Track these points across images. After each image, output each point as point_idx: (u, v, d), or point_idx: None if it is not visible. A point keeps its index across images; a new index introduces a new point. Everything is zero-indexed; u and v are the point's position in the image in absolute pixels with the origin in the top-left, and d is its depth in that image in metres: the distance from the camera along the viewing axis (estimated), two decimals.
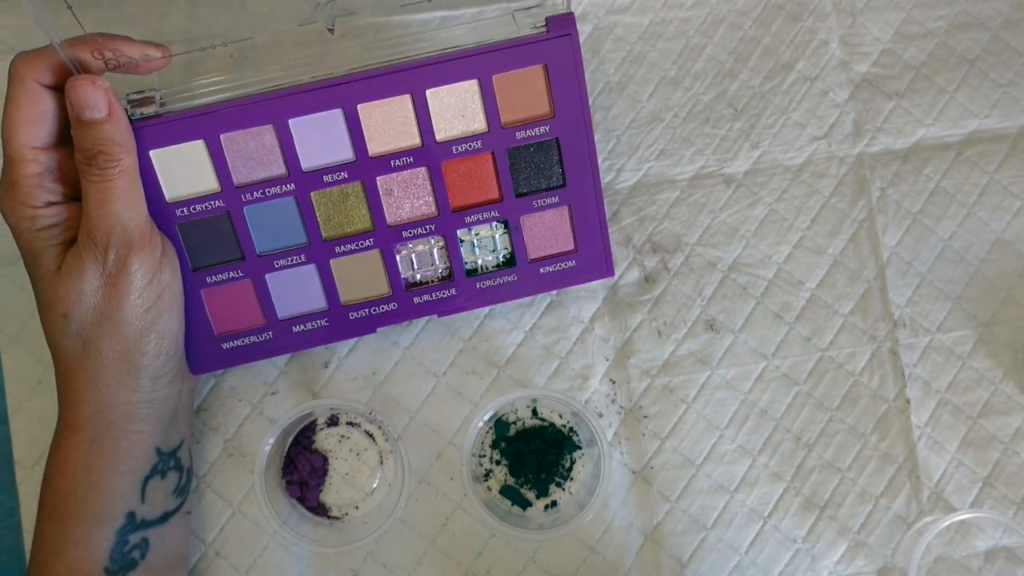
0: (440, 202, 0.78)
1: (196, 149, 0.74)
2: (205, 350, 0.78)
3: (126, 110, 0.72)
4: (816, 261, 0.87)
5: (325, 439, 0.82)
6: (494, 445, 0.83)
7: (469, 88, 0.76)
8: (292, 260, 0.77)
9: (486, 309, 0.84)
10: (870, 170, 0.88)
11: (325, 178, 0.76)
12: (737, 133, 0.88)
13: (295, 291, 0.78)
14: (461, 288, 0.80)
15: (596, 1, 0.88)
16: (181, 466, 0.76)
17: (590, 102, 0.86)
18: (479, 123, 0.77)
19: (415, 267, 0.80)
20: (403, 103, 0.76)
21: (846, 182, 0.88)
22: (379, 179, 0.77)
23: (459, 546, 0.82)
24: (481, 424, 0.79)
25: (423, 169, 0.77)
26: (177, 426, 0.75)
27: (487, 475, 0.83)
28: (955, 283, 0.87)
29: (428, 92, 0.75)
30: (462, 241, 0.79)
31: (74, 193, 0.70)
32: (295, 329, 0.79)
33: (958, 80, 0.90)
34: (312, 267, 0.78)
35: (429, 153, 0.77)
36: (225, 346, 0.78)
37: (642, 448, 0.84)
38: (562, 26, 0.75)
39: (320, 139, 0.75)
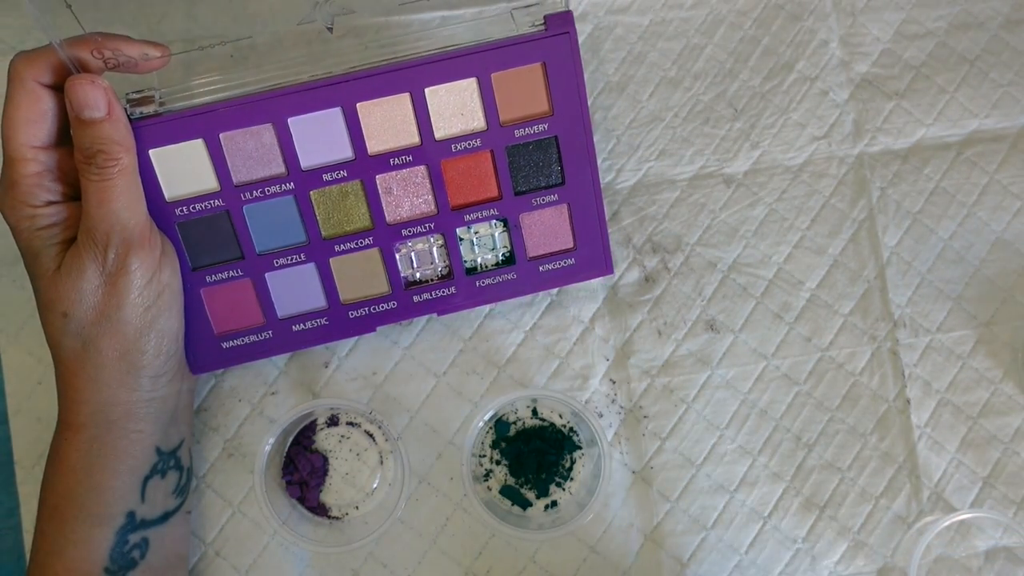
0: (439, 200, 0.78)
1: (195, 148, 0.74)
2: (205, 349, 0.78)
3: (125, 109, 0.72)
4: (816, 261, 0.87)
5: (325, 439, 0.82)
6: (494, 445, 0.83)
7: (468, 86, 0.76)
8: (292, 259, 0.77)
9: (486, 309, 0.84)
10: (870, 170, 0.88)
11: (324, 177, 0.76)
12: (737, 133, 0.88)
13: (295, 290, 0.78)
14: (461, 286, 0.80)
15: (596, 1, 0.88)
16: (181, 466, 0.76)
17: (590, 102, 0.86)
18: (478, 121, 0.77)
19: (415, 266, 0.80)
20: (402, 102, 0.76)
21: (846, 182, 0.88)
22: (378, 178, 0.77)
23: (459, 546, 0.82)
24: (481, 424, 0.79)
25: (422, 167, 0.77)
26: (177, 426, 0.75)
27: (487, 475, 0.83)
28: (955, 283, 0.87)
29: (427, 90, 0.76)
30: (461, 239, 0.79)
31: (74, 192, 0.70)
32: (295, 328, 0.79)
33: (958, 80, 0.90)
34: (312, 266, 0.78)
35: (428, 151, 0.77)
36: (225, 345, 0.78)
37: (642, 448, 0.84)
38: (560, 24, 0.75)
39: (319, 138, 0.75)
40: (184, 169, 0.75)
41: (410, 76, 0.75)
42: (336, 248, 0.78)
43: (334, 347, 0.84)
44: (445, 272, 0.80)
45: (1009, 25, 0.90)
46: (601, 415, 0.84)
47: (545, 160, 0.78)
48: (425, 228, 0.78)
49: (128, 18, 0.79)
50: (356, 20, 0.82)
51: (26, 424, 0.81)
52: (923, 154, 0.88)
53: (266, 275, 0.78)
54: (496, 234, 0.80)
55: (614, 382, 0.85)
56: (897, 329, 0.86)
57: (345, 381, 0.83)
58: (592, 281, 0.84)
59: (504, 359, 0.84)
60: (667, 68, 0.88)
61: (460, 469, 0.79)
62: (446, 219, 0.78)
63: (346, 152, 0.76)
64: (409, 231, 0.78)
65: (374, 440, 0.83)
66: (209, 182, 0.75)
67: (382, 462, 0.83)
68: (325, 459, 0.82)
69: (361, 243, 0.78)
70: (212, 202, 0.75)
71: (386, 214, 0.78)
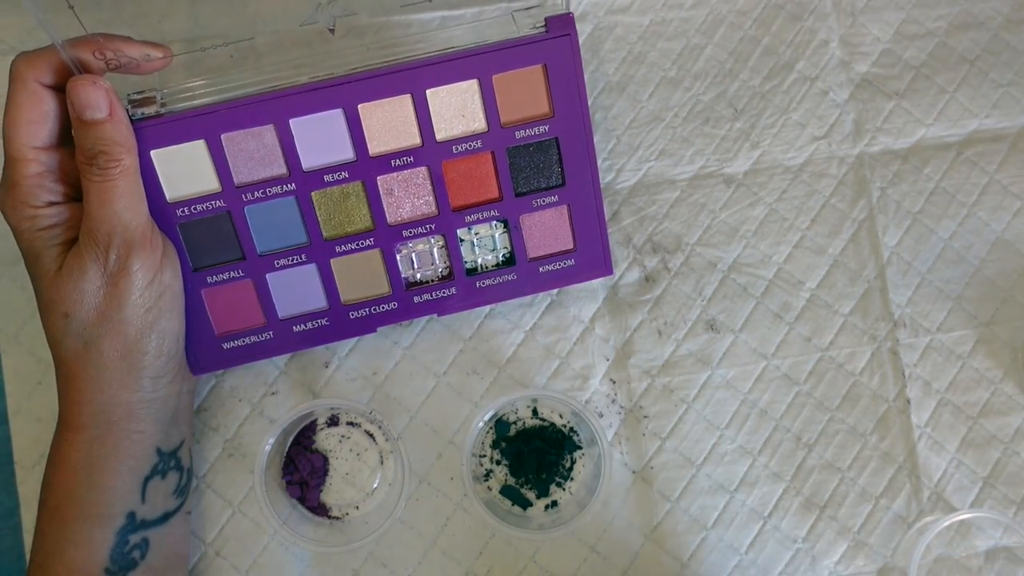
0: (440, 201, 0.78)
1: (197, 149, 0.74)
2: (206, 350, 0.78)
3: (127, 110, 0.72)
4: (816, 261, 0.87)
5: (325, 439, 0.82)
6: (494, 445, 0.83)
7: (469, 88, 0.76)
8: (293, 260, 0.77)
9: (486, 309, 0.84)
10: (870, 170, 0.88)
11: (326, 178, 0.76)
12: (737, 133, 0.88)
13: (296, 291, 0.78)
14: (461, 287, 0.80)
15: (596, 1, 0.88)
16: (181, 466, 0.76)
17: (590, 102, 0.86)
18: (479, 123, 0.77)
19: (415, 266, 0.80)
20: (403, 103, 0.76)
21: (846, 182, 0.88)
22: (379, 179, 0.77)
23: (459, 546, 0.82)
24: (481, 424, 0.79)
25: (423, 169, 0.77)
26: (177, 426, 0.75)
27: (487, 475, 0.83)
28: (955, 283, 0.87)
29: (428, 92, 0.76)
30: (462, 240, 0.79)
31: (75, 193, 0.70)
32: (295, 329, 0.79)
33: (958, 80, 0.90)
34: (313, 267, 0.78)
35: (429, 153, 0.77)
36: (225, 346, 0.78)
37: (642, 448, 0.84)
38: (561, 26, 0.75)
39: (321, 139, 0.75)
40: (185, 170, 0.75)
41: (411, 78, 0.75)
42: (337, 249, 0.78)
43: (334, 347, 0.84)
44: (446, 273, 0.80)
45: (1009, 25, 0.90)
46: (601, 415, 0.84)
47: (545, 162, 0.78)
48: (426, 229, 0.78)
49: (130, 19, 0.79)
50: (357, 21, 0.81)
51: (26, 424, 0.81)
52: (923, 154, 0.89)
53: (267, 276, 0.78)
54: (496, 235, 0.80)
55: (614, 382, 0.85)
56: (897, 329, 0.86)
57: (345, 381, 0.83)
58: (592, 281, 0.84)
59: (504, 359, 0.84)
60: (667, 68, 0.88)
61: (460, 469, 0.79)
62: (447, 220, 0.78)
63: (347, 153, 0.76)
64: (410, 232, 0.78)
65: (374, 440, 0.83)
66: (210, 183, 0.75)
67: (382, 462, 0.83)
68: (325, 459, 0.82)
69: (362, 244, 0.78)
70: (213, 203, 0.75)
71: (387, 215, 0.78)
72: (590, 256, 0.81)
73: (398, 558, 0.82)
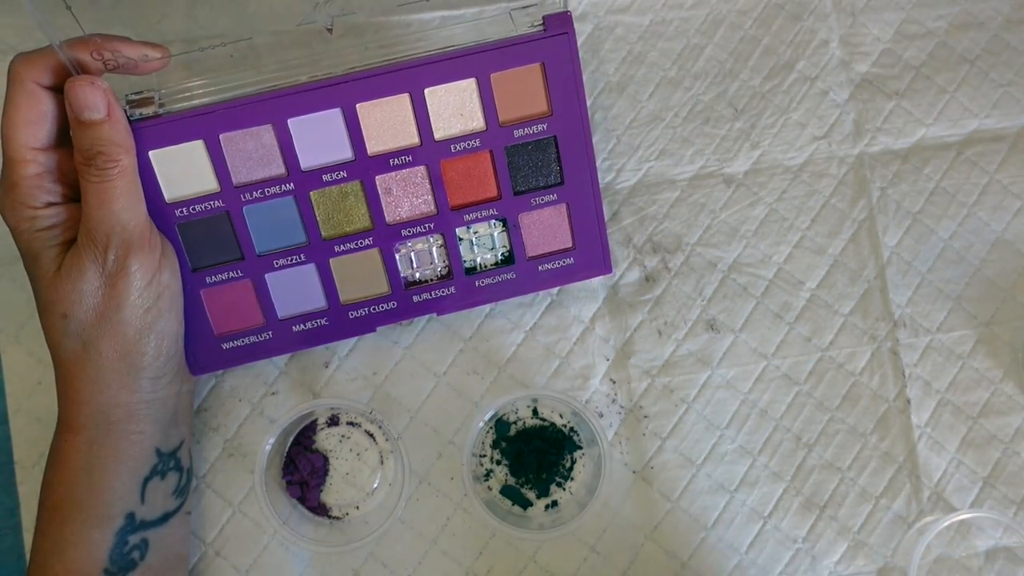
0: (439, 200, 0.78)
1: (195, 149, 0.74)
2: (205, 350, 0.78)
3: (125, 111, 0.72)
4: (816, 261, 0.87)
5: (325, 439, 0.82)
6: (495, 445, 0.83)
7: (467, 87, 0.76)
8: (292, 260, 0.77)
9: (486, 309, 0.84)
10: (870, 170, 0.88)
11: (324, 177, 0.76)
12: (737, 133, 0.88)
13: (295, 291, 0.78)
14: (460, 286, 0.80)
15: (596, 1, 0.88)
16: (181, 467, 0.76)
17: (590, 102, 0.86)
18: (477, 122, 0.77)
19: (414, 266, 0.80)
20: (402, 102, 0.76)
21: (846, 182, 0.88)
22: (378, 178, 0.77)
23: (460, 546, 0.82)
24: (481, 424, 0.79)
25: (422, 168, 0.77)
26: (177, 427, 0.75)
27: (488, 475, 0.83)
28: (955, 283, 0.87)
29: (427, 91, 0.76)
30: (461, 239, 0.79)
31: (74, 194, 0.70)
32: (295, 329, 0.79)
33: (958, 80, 0.90)
34: (312, 266, 0.78)
35: (428, 152, 0.77)
36: (225, 346, 0.78)
37: (642, 448, 0.84)
38: (559, 25, 0.75)
39: (319, 138, 0.75)
40: (184, 170, 0.75)
41: (410, 77, 0.75)
42: (336, 248, 0.78)
43: (334, 347, 0.84)
44: (445, 272, 0.80)
45: (1009, 25, 0.90)
46: (601, 415, 0.84)
47: (544, 160, 0.78)
48: (425, 228, 0.78)
49: (128, 19, 0.79)
50: (356, 21, 0.81)
51: (26, 424, 0.82)
52: (923, 154, 0.88)
53: (266, 276, 0.78)
54: (495, 234, 0.80)
55: (614, 382, 0.85)
56: (897, 329, 0.86)
57: (345, 381, 0.83)
58: (592, 281, 0.84)
59: (504, 359, 0.84)
60: (667, 68, 0.88)
61: (460, 469, 0.79)
62: (445, 219, 0.78)
63: (346, 153, 0.76)
64: (409, 231, 0.78)
65: (374, 440, 0.83)
66: (209, 183, 0.76)
67: (382, 462, 0.83)
68: (325, 459, 0.82)
69: (361, 243, 0.78)
70: (212, 203, 0.75)
71: (386, 214, 0.78)
72: (589, 254, 0.81)
73: (398, 558, 0.82)
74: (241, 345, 0.78)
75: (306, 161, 0.76)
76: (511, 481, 0.83)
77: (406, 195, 0.78)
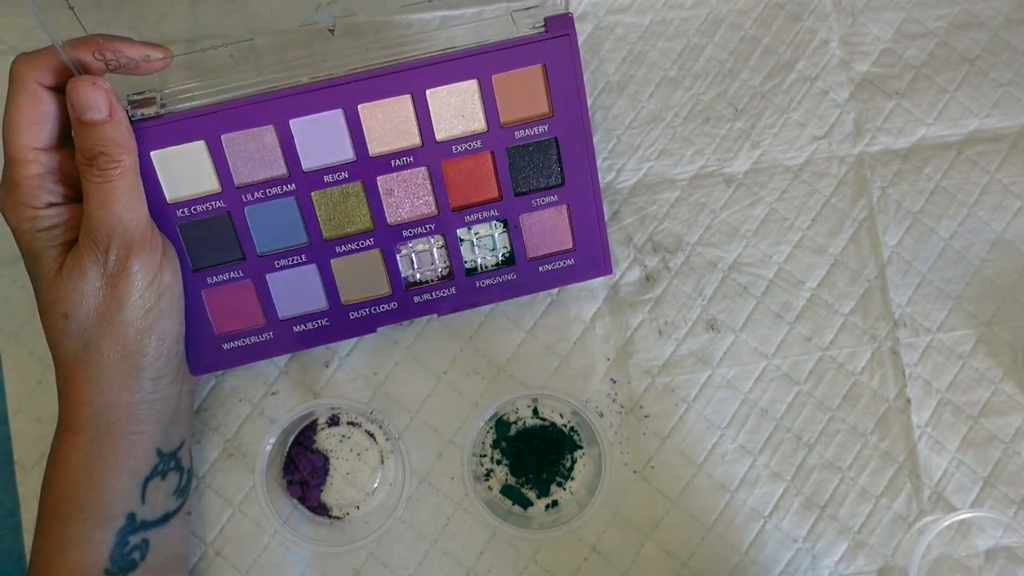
0: (440, 201, 0.78)
1: (197, 150, 0.74)
2: (206, 350, 0.78)
3: (127, 111, 0.72)
4: (816, 261, 0.87)
5: (326, 439, 0.82)
6: (495, 445, 0.83)
7: (469, 88, 0.76)
8: (293, 260, 0.77)
9: (487, 308, 0.84)
10: (870, 170, 0.88)
11: (326, 178, 0.76)
12: (737, 133, 0.88)
13: (296, 291, 0.78)
14: (461, 287, 0.80)
15: (596, 1, 0.88)
16: (181, 467, 0.76)
17: (590, 102, 0.86)
18: (479, 123, 0.77)
19: (415, 266, 0.80)
20: (403, 103, 0.76)
21: (846, 182, 0.88)
22: (379, 179, 0.77)
23: (460, 546, 0.82)
24: (482, 424, 0.79)
25: (423, 169, 0.77)
26: (177, 427, 0.75)
27: (488, 475, 0.83)
28: (956, 283, 0.87)
29: (428, 92, 0.76)
30: (462, 240, 0.79)
31: (75, 194, 0.70)
32: (296, 329, 0.79)
33: (958, 79, 0.90)
34: (313, 267, 0.78)
35: (429, 153, 0.77)
36: (226, 346, 0.78)
37: (643, 448, 0.84)
38: (561, 26, 0.75)
39: (321, 139, 0.75)
40: (185, 171, 0.75)
41: (411, 78, 0.75)
42: (337, 249, 0.78)
43: (335, 347, 0.84)
44: (445, 273, 0.80)
45: (1009, 25, 0.90)
46: (602, 415, 0.84)
47: (545, 161, 0.78)
48: (426, 229, 0.78)
49: (129, 19, 0.79)
50: (357, 22, 0.81)
51: (26, 424, 0.81)
52: (923, 154, 0.89)
53: (267, 276, 0.78)
54: (496, 235, 0.80)
55: (615, 382, 0.85)
56: (897, 329, 0.86)
57: (346, 381, 0.83)
58: (593, 281, 0.84)
59: (504, 359, 0.84)
60: (667, 68, 0.88)
61: (461, 469, 0.79)
62: (447, 220, 0.78)
63: (347, 154, 0.76)
64: (410, 232, 0.78)
65: (375, 440, 0.83)
66: (210, 184, 0.75)
67: (383, 462, 0.83)
68: (326, 459, 0.82)
69: (362, 244, 0.78)
70: (213, 203, 0.75)
71: (387, 215, 0.78)
72: (590, 255, 0.81)
73: (398, 558, 0.82)
74: (242, 345, 0.78)
75: (307, 162, 0.76)
76: (511, 481, 0.83)
77: (407, 196, 0.78)
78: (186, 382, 0.76)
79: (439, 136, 0.77)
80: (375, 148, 0.76)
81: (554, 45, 0.75)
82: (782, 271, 0.86)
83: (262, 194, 0.76)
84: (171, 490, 0.75)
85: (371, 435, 0.83)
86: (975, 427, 0.86)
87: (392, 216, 0.78)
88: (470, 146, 0.77)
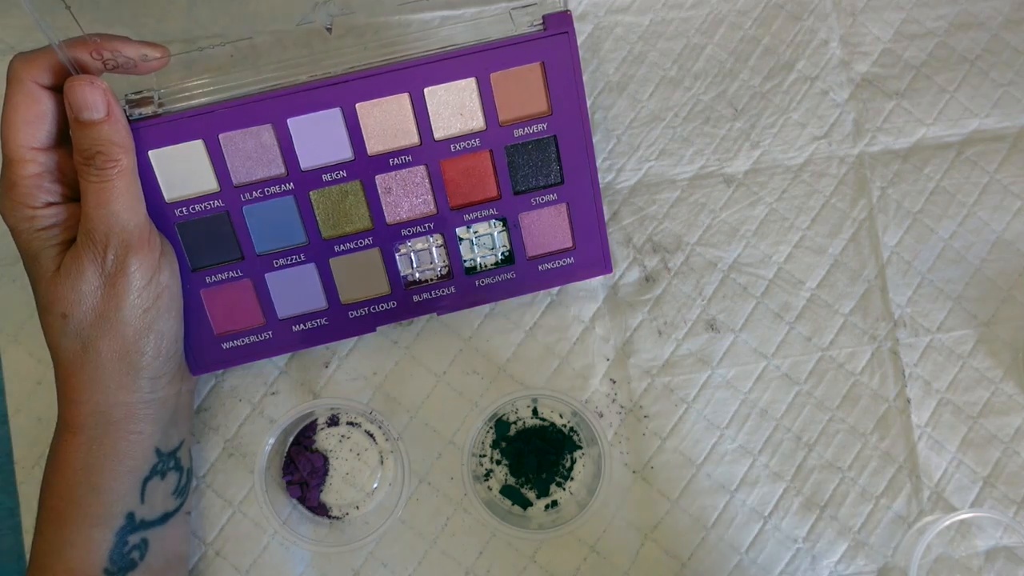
0: (439, 200, 0.78)
1: (195, 149, 0.74)
2: (205, 350, 0.78)
3: (125, 110, 0.71)
4: (816, 261, 0.86)
5: (325, 439, 0.82)
6: (494, 445, 0.83)
7: (467, 86, 0.76)
8: (292, 259, 0.77)
9: (486, 308, 0.84)
10: (870, 170, 0.88)
11: (324, 177, 0.76)
12: (737, 133, 0.88)
13: (295, 290, 0.78)
14: (460, 286, 0.80)
15: (596, 1, 0.88)
16: (181, 467, 0.76)
17: (590, 102, 0.86)
18: (477, 121, 0.77)
19: (414, 265, 0.80)
20: (401, 102, 0.76)
21: (846, 182, 0.88)
22: (378, 178, 0.77)
23: (459, 546, 0.82)
24: (481, 424, 0.79)
25: (422, 167, 0.77)
26: (177, 427, 0.75)
27: (487, 475, 0.83)
28: (955, 283, 0.87)
29: (426, 91, 0.76)
30: (461, 239, 0.79)
31: (73, 193, 0.70)
32: (295, 328, 0.79)
33: (958, 80, 0.90)
34: (312, 266, 0.78)
35: (428, 151, 0.77)
36: (225, 346, 0.78)
37: (642, 448, 0.84)
38: (559, 24, 0.75)
39: (319, 138, 0.75)
40: (183, 170, 0.75)
41: (409, 76, 0.75)
42: (336, 248, 0.78)
43: (334, 347, 0.84)
44: (445, 272, 0.80)
45: (1009, 25, 0.90)
46: (601, 415, 0.84)
47: (544, 160, 0.78)
48: (425, 228, 0.78)
49: (127, 19, 0.79)
50: (355, 20, 0.82)
51: (26, 424, 0.81)
52: (923, 154, 0.88)
53: (266, 276, 0.78)
54: (495, 234, 0.80)
55: (614, 382, 0.85)
56: (897, 329, 0.86)
57: (345, 381, 0.83)
58: (592, 281, 0.84)
59: (504, 359, 0.84)
60: (667, 68, 0.88)
61: (460, 469, 0.79)
62: (446, 219, 0.78)
63: (346, 152, 0.76)
64: (409, 231, 0.78)
65: (374, 440, 0.83)
66: (209, 183, 0.75)
67: (382, 462, 0.83)
68: (325, 459, 0.82)
69: (361, 243, 0.78)
70: (212, 203, 0.75)
71: (386, 214, 0.78)
72: (589, 254, 0.81)
73: (398, 558, 0.82)
74: (241, 345, 0.78)
75: (306, 161, 0.76)
76: (511, 481, 0.83)
77: (406, 195, 0.78)
78: (185, 382, 0.76)
79: (438, 135, 0.77)
80: (373, 147, 0.76)
81: (553, 43, 0.75)
82: (782, 271, 0.86)
83: (260, 193, 0.76)
84: (170, 490, 0.75)
85: (371, 435, 0.83)
86: (975, 427, 0.86)
87: (391, 215, 0.78)
88: (469, 144, 0.77)
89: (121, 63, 0.69)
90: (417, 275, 0.80)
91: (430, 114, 0.76)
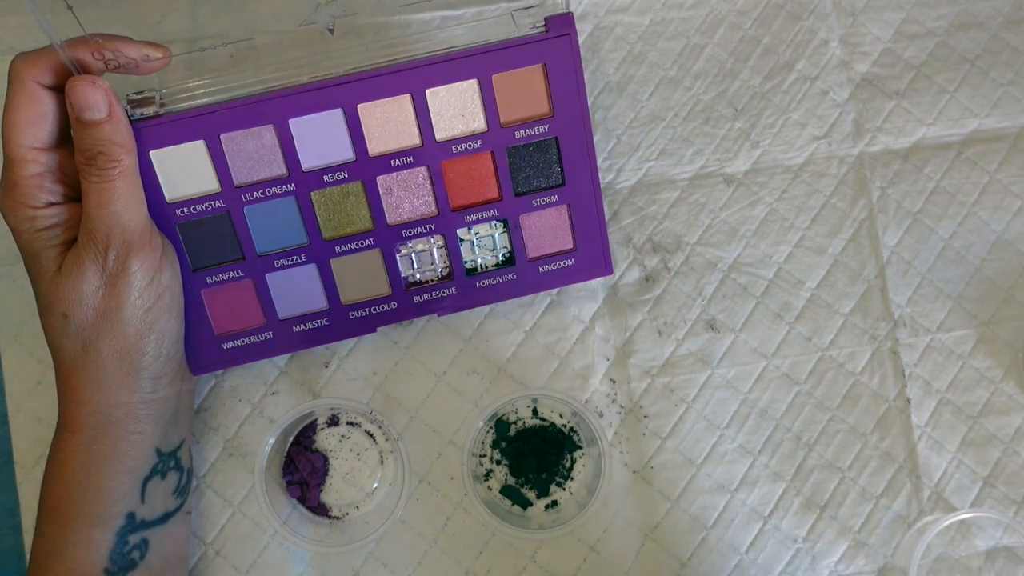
0: (440, 201, 0.78)
1: (196, 149, 0.74)
2: (205, 350, 0.78)
3: (126, 110, 0.71)
4: (816, 261, 0.87)
5: (325, 439, 0.82)
6: (494, 445, 0.83)
7: (469, 88, 0.76)
8: (292, 260, 0.77)
9: (486, 308, 0.84)
10: (870, 170, 0.88)
11: (325, 178, 0.76)
12: (737, 133, 0.88)
13: (296, 291, 0.78)
14: (461, 287, 0.80)
15: (596, 1, 0.88)
16: (181, 466, 0.76)
17: (590, 102, 0.86)
18: (479, 123, 0.77)
19: (415, 266, 0.80)
20: (403, 103, 0.76)
21: (846, 182, 0.88)
22: (379, 179, 0.77)
23: (459, 546, 0.82)
24: (481, 424, 0.79)
25: (423, 168, 0.77)
26: (177, 427, 0.75)
27: (487, 475, 0.83)
28: (955, 283, 0.87)
29: (428, 92, 0.75)
30: (462, 240, 0.79)
31: (74, 193, 0.70)
32: (295, 329, 0.79)
33: (958, 79, 0.90)
34: (312, 267, 0.78)
35: (429, 153, 0.77)
36: (225, 346, 0.78)
37: (642, 448, 0.84)
38: (561, 26, 0.75)
39: (320, 139, 0.75)
40: (185, 170, 0.75)
41: (411, 77, 0.75)
42: (337, 249, 0.78)
43: (334, 347, 0.84)
44: (445, 273, 0.80)
45: (1009, 25, 0.90)
46: (601, 415, 0.84)
47: (545, 161, 0.78)
48: (426, 229, 0.78)
49: (129, 19, 0.79)
50: (357, 21, 0.82)
51: (26, 424, 0.81)
52: (923, 154, 0.88)
53: (267, 276, 0.78)
54: (496, 235, 0.80)
55: (614, 382, 0.85)
56: (897, 329, 0.86)
57: (345, 381, 0.83)
58: (592, 281, 0.84)
59: (504, 359, 0.84)
60: (667, 68, 0.88)
61: (460, 469, 0.79)
62: (447, 220, 0.78)
63: (347, 153, 0.76)
64: (410, 232, 0.78)
65: (374, 440, 0.83)
66: (210, 183, 0.75)
67: (382, 462, 0.83)
68: (325, 459, 0.82)
69: (362, 244, 0.78)
70: (213, 203, 0.75)
71: (387, 215, 0.78)
72: (590, 256, 0.81)
73: (398, 558, 0.82)
74: (241, 345, 0.78)
75: (307, 161, 0.76)
76: (511, 481, 0.83)
77: (407, 196, 0.78)
78: (186, 382, 0.76)
79: (439, 136, 0.77)
80: (375, 148, 0.76)
81: (554, 45, 0.75)
82: (782, 271, 0.86)
83: (261, 194, 0.76)
84: (171, 489, 0.75)
85: (371, 435, 0.83)
86: (975, 427, 0.86)
87: (392, 216, 0.78)
88: (470, 146, 0.77)
89: (123, 63, 0.69)
90: (418, 276, 0.80)
91: (431, 115, 0.76)
